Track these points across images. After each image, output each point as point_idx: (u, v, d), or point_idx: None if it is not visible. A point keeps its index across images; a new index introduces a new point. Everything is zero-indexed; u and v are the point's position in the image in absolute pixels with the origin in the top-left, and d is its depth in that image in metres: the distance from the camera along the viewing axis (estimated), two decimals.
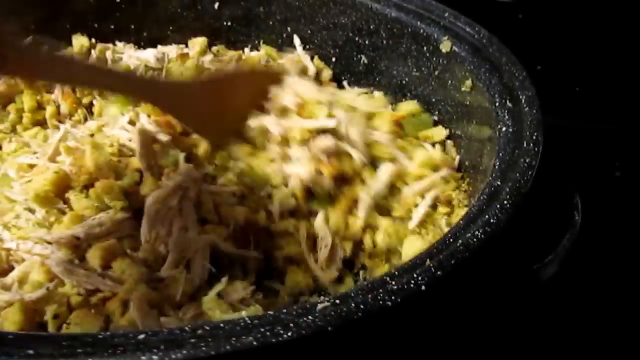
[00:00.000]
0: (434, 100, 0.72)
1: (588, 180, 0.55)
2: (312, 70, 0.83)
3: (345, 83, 0.85)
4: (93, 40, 0.87)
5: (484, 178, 0.58)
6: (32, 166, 0.66)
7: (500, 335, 0.50)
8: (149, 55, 0.81)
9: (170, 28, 0.89)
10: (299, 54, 0.85)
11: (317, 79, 0.83)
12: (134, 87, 0.55)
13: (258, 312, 0.47)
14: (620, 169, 0.80)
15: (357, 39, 0.79)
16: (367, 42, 0.78)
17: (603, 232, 0.59)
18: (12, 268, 0.53)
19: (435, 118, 0.72)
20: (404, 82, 0.76)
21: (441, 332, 0.43)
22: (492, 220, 0.42)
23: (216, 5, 0.87)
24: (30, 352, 0.33)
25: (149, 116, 0.69)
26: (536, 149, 0.48)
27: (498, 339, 0.50)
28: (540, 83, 0.60)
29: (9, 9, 0.84)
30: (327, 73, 0.85)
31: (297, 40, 0.86)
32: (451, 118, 0.69)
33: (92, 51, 0.85)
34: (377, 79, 0.80)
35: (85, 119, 0.78)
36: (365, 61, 0.80)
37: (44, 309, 0.48)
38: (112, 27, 0.88)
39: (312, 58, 0.85)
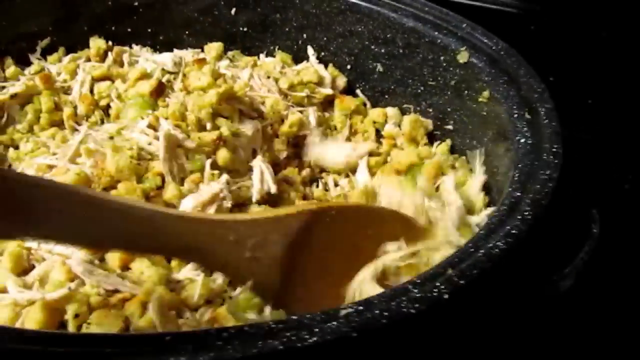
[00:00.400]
0: (449, 110, 0.72)
1: (603, 193, 0.56)
2: (327, 78, 0.84)
3: (358, 91, 0.85)
4: (110, 42, 0.88)
5: (499, 189, 0.59)
6: (51, 167, 0.67)
7: (517, 345, 0.51)
8: (166, 58, 0.82)
9: (186, 32, 0.90)
10: (313, 64, 0.86)
11: (332, 86, 0.84)
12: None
13: (282, 316, 0.47)
14: (631, 182, 0.81)
15: (373, 47, 0.79)
16: (382, 50, 0.78)
17: (621, 245, 0.59)
18: (32, 267, 0.54)
19: (450, 127, 0.73)
20: (419, 91, 0.76)
21: (460, 341, 0.43)
22: (513, 231, 0.42)
23: (233, 11, 0.88)
24: (60, 350, 0.34)
25: (166, 118, 0.70)
26: (556, 161, 0.48)
27: (515, 350, 0.50)
28: (553, 95, 0.60)
29: (27, 11, 0.85)
30: (341, 81, 0.85)
31: (310, 51, 0.87)
32: (466, 128, 0.70)
33: (109, 53, 0.86)
34: (392, 88, 0.80)
35: (102, 121, 0.79)
36: (381, 69, 0.80)
37: (64, 308, 0.48)
38: (129, 30, 0.89)
39: (326, 66, 0.86)
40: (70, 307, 0.48)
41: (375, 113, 0.81)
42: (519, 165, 0.50)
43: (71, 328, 0.48)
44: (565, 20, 1.02)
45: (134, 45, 0.89)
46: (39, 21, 0.86)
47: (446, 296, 0.38)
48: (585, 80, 0.96)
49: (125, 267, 0.53)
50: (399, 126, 0.79)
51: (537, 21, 1.03)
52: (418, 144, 0.76)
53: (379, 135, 0.79)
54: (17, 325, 0.47)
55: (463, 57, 0.66)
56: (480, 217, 0.60)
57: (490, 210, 0.61)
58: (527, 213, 0.44)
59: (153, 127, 0.68)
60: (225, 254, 0.43)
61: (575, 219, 0.50)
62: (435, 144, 0.75)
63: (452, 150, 0.73)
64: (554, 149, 0.50)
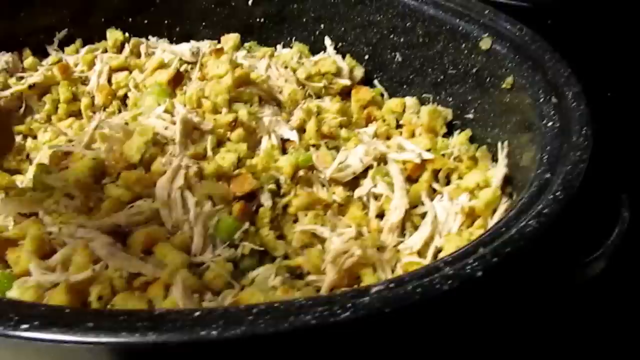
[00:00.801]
0: (469, 98, 0.72)
1: (633, 178, 0.55)
2: (345, 69, 0.83)
3: (376, 81, 0.85)
4: (126, 34, 0.87)
5: (523, 178, 0.58)
6: (67, 154, 0.67)
7: (548, 327, 0.50)
8: (184, 49, 0.82)
9: (203, 24, 0.90)
10: (330, 54, 0.86)
11: (350, 77, 0.83)
12: None
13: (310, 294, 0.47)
14: None
15: (391, 36, 0.79)
16: (402, 40, 0.78)
17: None
18: (54, 251, 0.53)
19: (471, 116, 0.72)
20: (439, 80, 0.75)
21: (491, 322, 0.43)
22: (545, 211, 0.42)
23: (249, 2, 0.88)
24: (90, 325, 0.33)
25: (184, 105, 0.69)
26: (586, 142, 0.48)
27: (545, 332, 0.49)
28: None
29: (44, 3, 0.85)
30: (359, 71, 0.85)
31: (327, 41, 0.86)
32: (488, 117, 0.69)
33: (126, 45, 0.86)
34: (411, 77, 0.80)
35: (120, 111, 0.79)
36: (400, 59, 0.79)
37: (87, 290, 0.48)
38: (146, 22, 0.89)
39: (344, 56, 0.85)
40: (94, 289, 0.48)
41: (393, 103, 0.80)
42: (547, 148, 0.49)
43: None
44: (582, 13, 1.01)
45: (150, 37, 0.89)
46: (57, 13, 0.86)
47: (480, 274, 0.37)
48: (603, 73, 0.94)
49: (148, 252, 0.53)
50: (418, 116, 0.78)
51: (553, 15, 1.02)
52: (437, 134, 0.75)
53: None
54: None
55: (486, 44, 0.66)
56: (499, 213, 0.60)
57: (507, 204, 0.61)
58: (558, 193, 0.43)
59: (169, 112, 0.67)
60: None
61: (605, 203, 0.49)
62: (455, 133, 0.74)
63: (473, 139, 0.72)
64: (584, 131, 0.49)
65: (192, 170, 0.57)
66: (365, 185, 0.64)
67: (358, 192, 0.64)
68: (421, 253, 0.58)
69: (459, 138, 0.73)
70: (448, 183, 0.68)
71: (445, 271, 0.37)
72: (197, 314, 0.35)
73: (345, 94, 0.83)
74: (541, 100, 0.55)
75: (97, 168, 0.60)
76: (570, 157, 0.47)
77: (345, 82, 0.82)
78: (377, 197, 0.64)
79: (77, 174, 0.59)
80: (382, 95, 0.83)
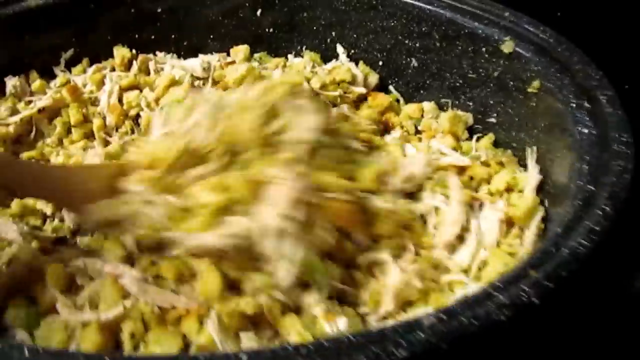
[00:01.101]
0: (491, 102, 0.70)
1: None
2: (359, 77, 0.81)
3: (391, 87, 0.83)
4: (133, 51, 0.86)
5: (558, 182, 0.56)
6: None
7: (600, 347, 0.48)
8: (195, 64, 0.80)
9: (211, 36, 0.88)
10: (343, 62, 0.84)
11: (364, 84, 0.82)
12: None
13: (355, 324, 0.45)
14: None
15: (406, 41, 0.77)
16: (417, 44, 0.76)
17: None
18: (78, 286, 0.52)
19: (494, 120, 0.70)
20: (457, 84, 0.74)
21: (546, 347, 0.41)
22: (596, 228, 0.40)
23: (258, 12, 0.86)
24: None
25: None
26: (628, 151, 0.46)
27: (597, 351, 0.48)
28: None
29: (49, 23, 0.83)
30: (373, 78, 0.83)
31: (340, 49, 0.84)
32: (512, 121, 0.67)
33: (134, 62, 0.84)
34: (428, 82, 0.78)
35: (132, 131, 0.77)
36: (416, 64, 0.78)
37: (119, 327, 0.46)
38: (152, 37, 0.87)
39: (357, 63, 0.84)
40: (126, 326, 0.46)
41: (410, 108, 0.78)
42: (586, 157, 0.48)
43: (127, 348, 0.46)
44: (593, 4, 1.00)
45: (157, 53, 0.87)
46: (61, 32, 0.84)
47: (536, 300, 0.35)
48: (619, 66, 0.93)
49: (180, 280, 0.51)
50: (437, 121, 0.76)
51: (563, 7, 1.00)
52: (459, 139, 0.74)
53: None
54: (72, 348, 0.45)
55: (508, 47, 0.64)
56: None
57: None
58: (607, 207, 0.41)
59: None
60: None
61: None
62: (475, 137, 0.72)
63: (496, 144, 0.71)
64: (624, 138, 0.47)
65: (310, 197, 0.51)
66: (427, 198, 0.61)
67: (420, 207, 0.61)
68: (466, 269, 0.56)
69: (483, 142, 0.71)
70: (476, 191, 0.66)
71: (499, 299, 0.35)
72: (243, 357, 0.33)
73: (359, 101, 0.82)
74: (573, 105, 0.54)
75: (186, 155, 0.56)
76: (612, 167, 0.45)
77: (360, 90, 0.81)
78: (435, 210, 0.61)
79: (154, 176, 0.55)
80: (397, 101, 0.81)
